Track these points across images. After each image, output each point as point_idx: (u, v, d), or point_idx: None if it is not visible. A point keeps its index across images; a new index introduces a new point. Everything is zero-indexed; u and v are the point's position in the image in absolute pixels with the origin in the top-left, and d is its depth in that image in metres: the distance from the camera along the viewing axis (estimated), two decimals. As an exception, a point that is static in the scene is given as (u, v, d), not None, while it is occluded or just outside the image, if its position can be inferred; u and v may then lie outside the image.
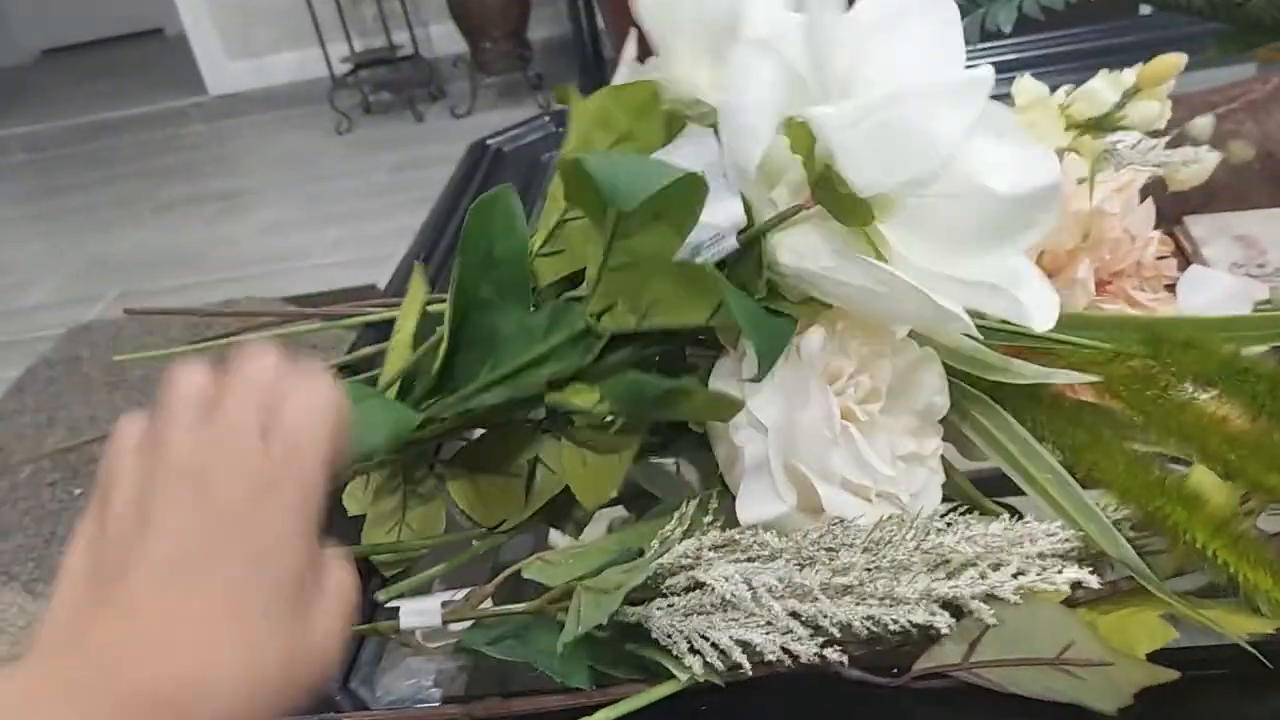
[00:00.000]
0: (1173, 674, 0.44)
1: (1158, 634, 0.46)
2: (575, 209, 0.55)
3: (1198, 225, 0.79)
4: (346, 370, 0.83)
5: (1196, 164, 0.68)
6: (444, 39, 4.53)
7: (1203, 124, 0.74)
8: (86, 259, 3.58)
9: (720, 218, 0.49)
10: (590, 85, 0.57)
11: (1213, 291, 0.62)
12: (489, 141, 1.35)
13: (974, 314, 0.46)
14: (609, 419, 0.54)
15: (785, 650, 0.46)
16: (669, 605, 0.48)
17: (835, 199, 0.45)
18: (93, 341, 2.81)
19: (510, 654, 0.51)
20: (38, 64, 6.00)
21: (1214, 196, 0.83)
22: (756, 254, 0.49)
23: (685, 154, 0.51)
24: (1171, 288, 0.65)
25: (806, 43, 0.46)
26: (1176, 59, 0.65)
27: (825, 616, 0.46)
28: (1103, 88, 0.64)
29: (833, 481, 0.49)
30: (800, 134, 0.45)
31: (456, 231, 1.14)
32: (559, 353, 0.53)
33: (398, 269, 1.07)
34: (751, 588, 0.46)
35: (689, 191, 0.46)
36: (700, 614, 0.47)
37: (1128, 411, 0.50)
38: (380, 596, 0.59)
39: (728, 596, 0.46)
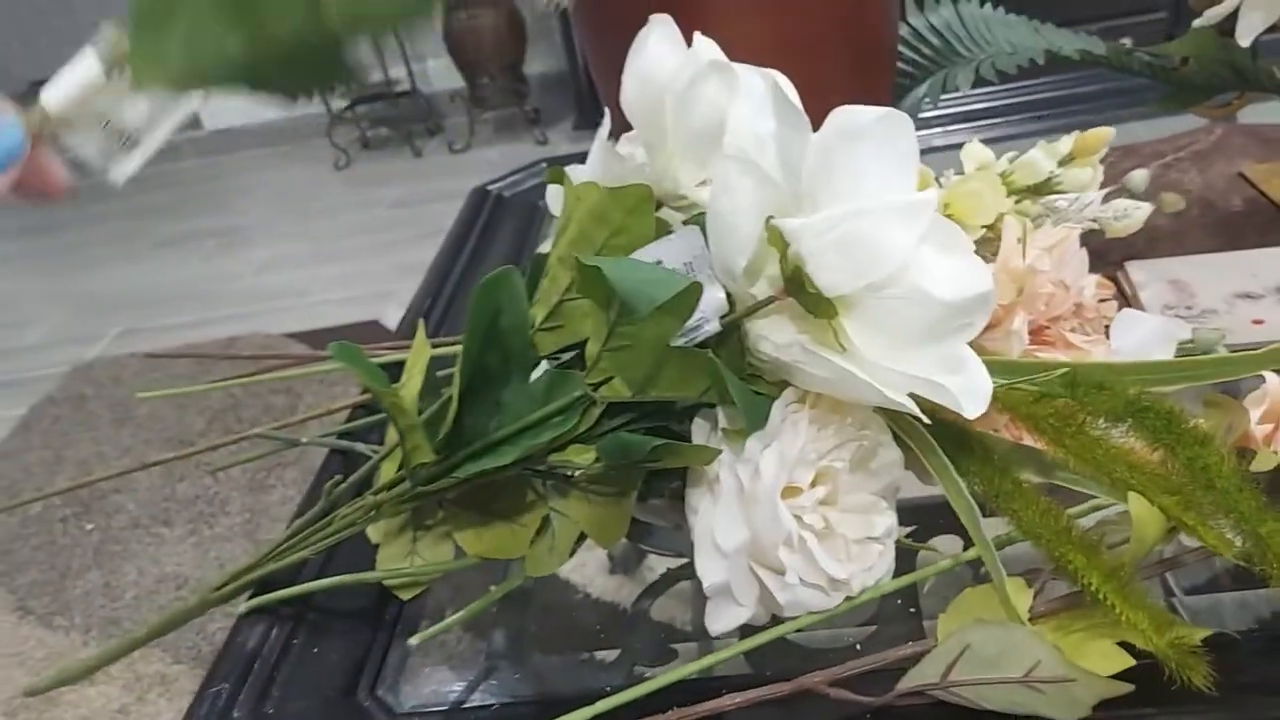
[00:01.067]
0: (1127, 687, 0.51)
1: (1113, 660, 0.52)
2: (573, 292, 0.62)
3: (1137, 270, 0.86)
4: (361, 410, 0.90)
5: (1128, 218, 0.75)
6: (441, 74, 4.56)
7: (1138, 178, 0.81)
8: (84, 297, 3.60)
9: (704, 305, 0.56)
10: (586, 120, 0.64)
11: (1141, 332, 0.68)
12: (490, 187, 1.42)
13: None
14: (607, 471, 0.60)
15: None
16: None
17: (805, 296, 0.53)
18: (96, 379, 2.86)
19: None
20: (27, 96, 5.98)
21: (1156, 240, 0.91)
22: (738, 340, 0.58)
23: (675, 247, 0.59)
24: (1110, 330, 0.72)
25: (778, 157, 0.54)
26: (1105, 133, 0.73)
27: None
28: (1040, 158, 0.71)
29: (791, 587, 0.56)
30: (776, 238, 0.53)
31: (462, 275, 1.20)
32: (558, 418, 0.60)
33: (405, 314, 1.13)
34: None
35: (688, 295, 0.55)
36: None
37: (1051, 447, 0.57)
38: (413, 642, 0.65)
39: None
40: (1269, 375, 0.60)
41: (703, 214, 0.60)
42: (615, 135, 0.70)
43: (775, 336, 0.56)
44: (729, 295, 0.58)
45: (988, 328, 0.63)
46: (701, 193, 0.64)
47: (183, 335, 3.10)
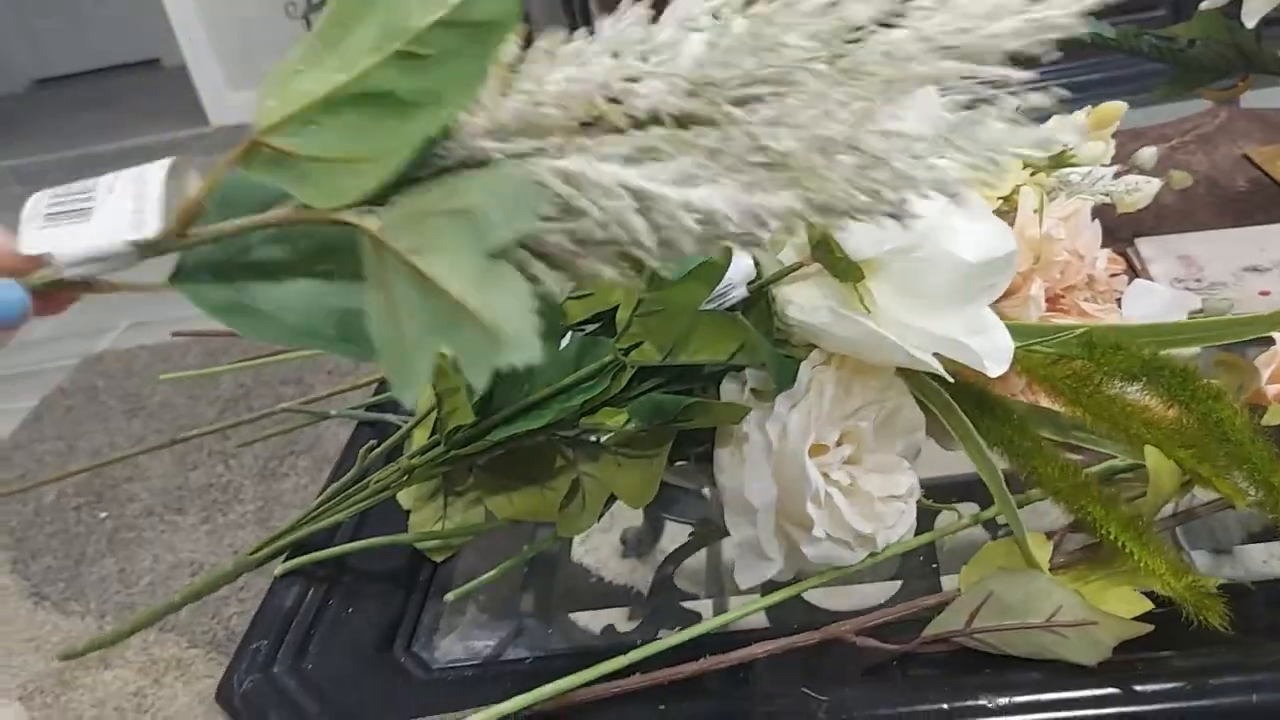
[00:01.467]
0: (1147, 627, 0.52)
1: (1133, 604, 0.54)
2: None
3: (1146, 245, 0.88)
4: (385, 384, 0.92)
5: (1139, 191, 0.77)
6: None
7: (1147, 155, 0.83)
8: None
9: (732, 271, 0.58)
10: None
11: (1152, 303, 0.70)
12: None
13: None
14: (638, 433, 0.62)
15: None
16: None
17: (832, 261, 0.55)
18: (106, 371, 2.87)
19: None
20: (29, 93, 5.97)
21: (1164, 218, 0.93)
22: (765, 305, 0.59)
23: None
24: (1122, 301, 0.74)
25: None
26: (1118, 106, 0.75)
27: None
28: (1056, 131, 0.73)
29: (819, 541, 0.58)
30: None
31: None
32: (589, 383, 0.61)
33: None
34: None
35: (718, 262, 0.56)
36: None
37: (1069, 407, 0.59)
38: (449, 598, 0.67)
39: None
40: (1277, 337, 0.62)
41: None
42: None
43: (802, 300, 0.58)
44: (756, 262, 0.60)
45: (1006, 294, 0.65)
46: None
47: (193, 327, 3.09)
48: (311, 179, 0.35)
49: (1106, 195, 0.77)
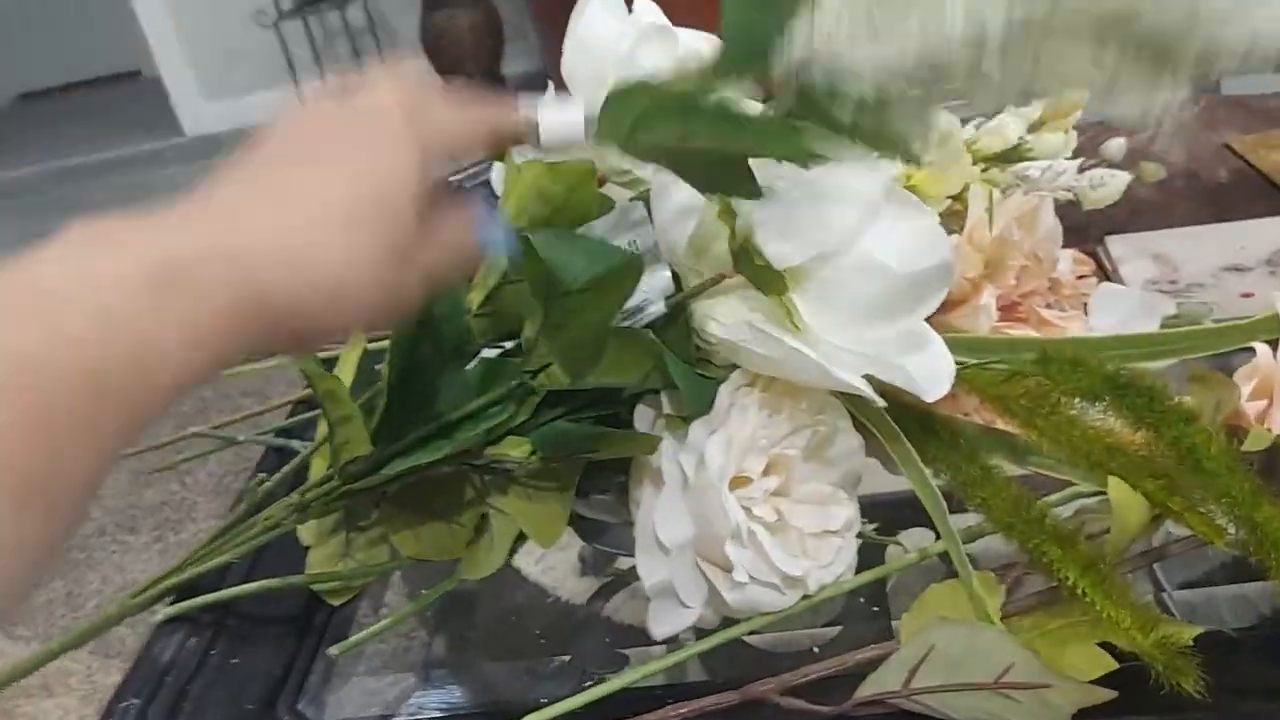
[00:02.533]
0: (1109, 693, 0.46)
1: (1094, 662, 0.48)
2: (513, 275, 0.57)
3: (1117, 244, 0.81)
4: (302, 406, 0.85)
5: (1105, 186, 0.70)
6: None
7: (1115, 146, 0.76)
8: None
9: (649, 285, 0.53)
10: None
11: (1121, 308, 0.64)
12: (452, 178, 1.37)
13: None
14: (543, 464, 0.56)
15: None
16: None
17: (754, 270, 0.49)
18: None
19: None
20: (13, 108, 5.96)
21: (1139, 214, 0.86)
22: (685, 322, 0.54)
23: (617, 225, 0.55)
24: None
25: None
26: (1078, 96, 0.68)
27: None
28: (1009, 122, 0.67)
29: (741, 586, 0.52)
30: (724, 208, 0.50)
31: None
32: (494, 409, 0.56)
33: None
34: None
35: (628, 271, 0.51)
36: None
37: (1023, 430, 0.53)
38: (332, 651, 0.61)
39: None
40: (1259, 347, 0.55)
41: (649, 190, 0.56)
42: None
43: (723, 316, 0.52)
44: (675, 276, 0.54)
45: (954, 304, 0.59)
46: (647, 168, 0.59)
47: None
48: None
49: (1069, 191, 0.70)
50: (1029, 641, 0.48)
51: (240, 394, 2.36)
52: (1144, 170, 0.82)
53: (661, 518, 0.53)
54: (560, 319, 0.53)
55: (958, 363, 0.54)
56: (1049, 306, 0.64)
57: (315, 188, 0.37)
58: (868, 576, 0.55)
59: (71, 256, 0.31)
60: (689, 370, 0.53)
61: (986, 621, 0.49)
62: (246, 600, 0.65)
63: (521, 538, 0.59)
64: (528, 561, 0.72)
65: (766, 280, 0.50)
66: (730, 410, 0.52)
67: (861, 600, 0.61)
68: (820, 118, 0.42)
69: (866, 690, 0.49)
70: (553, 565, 0.73)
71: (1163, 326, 0.64)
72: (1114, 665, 0.47)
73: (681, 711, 0.50)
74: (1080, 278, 0.68)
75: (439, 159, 0.41)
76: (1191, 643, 0.46)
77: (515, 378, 0.55)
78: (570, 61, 0.62)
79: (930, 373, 0.49)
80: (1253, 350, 0.55)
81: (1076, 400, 0.52)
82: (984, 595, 0.51)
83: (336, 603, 0.64)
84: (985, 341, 0.55)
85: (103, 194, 4.55)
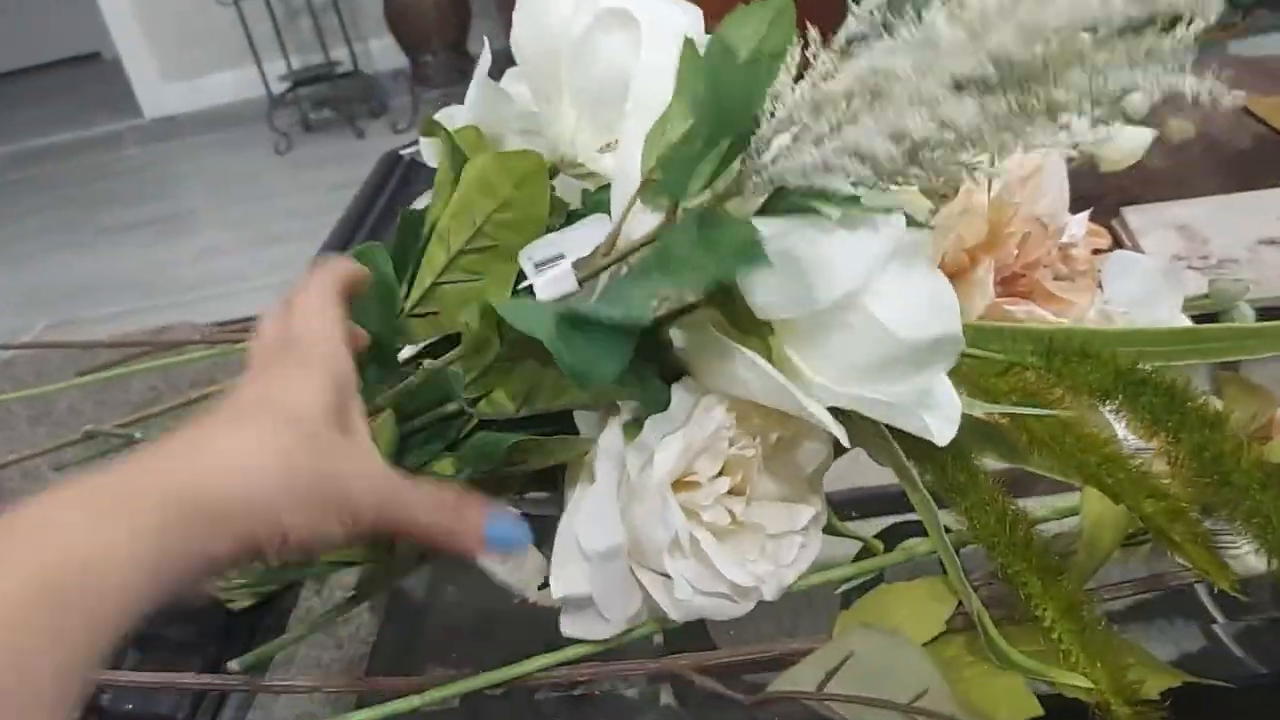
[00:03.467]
0: None
1: (1020, 706, 0.43)
2: (451, 272, 0.52)
3: (1135, 215, 0.73)
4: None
5: (1122, 144, 0.61)
6: (384, 53, 4.45)
7: (1136, 98, 0.67)
8: (22, 290, 3.49)
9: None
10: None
11: (1139, 277, 0.56)
12: (403, 152, 1.29)
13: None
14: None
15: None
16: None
17: (734, 312, 0.44)
18: (15, 375, 2.70)
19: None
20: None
21: (1153, 184, 0.78)
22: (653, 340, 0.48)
23: (581, 239, 0.49)
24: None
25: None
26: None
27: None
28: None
29: (683, 602, 0.46)
30: None
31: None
32: (424, 434, 0.52)
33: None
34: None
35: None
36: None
37: (1012, 428, 0.46)
38: (232, 666, 0.54)
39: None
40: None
41: (608, 187, 0.50)
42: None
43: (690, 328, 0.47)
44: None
45: (952, 278, 0.51)
46: (604, 161, 0.54)
47: (117, 325, 2.96)
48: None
49: (1075, 148, 0.61)
50: (961, 661, 0.44)
51: (191, 385, 2.27)
52: (1170, 127, 0.73)
53: (587, 522, 0.46)
54: (517, 354, 0.48)
55: None
56: (1058, 279, 0.56)
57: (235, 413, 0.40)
58: (818, 579, 0.50)
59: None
60: (647, 371, 0.47)
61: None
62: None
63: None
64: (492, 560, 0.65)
65: (748, 324, 0.44)
66: (693, 411, 0.46)
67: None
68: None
69: (780, 685, 0.45)
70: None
71: (1190, 307, 0.56)
72: (1039, 712, 0.43)
73: (591, 671, 0.48)
74: (1095, 251, 0.59)
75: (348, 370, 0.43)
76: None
77: (454, 401, 0.50)
78: (520, 36, 0.55)
79: (941, 420, 0.43)
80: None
81: (1085, 398, 0.45)
82: (932, 603, 0.47)
83: (234, 607, 0.58)
84: (980, 329, 0.48)
85: (62, 176, 4.46)
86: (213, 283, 3.18)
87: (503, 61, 0.56)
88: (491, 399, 0.49)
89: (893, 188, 0.40)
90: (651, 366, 0.47)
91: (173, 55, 4.63)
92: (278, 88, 4.24)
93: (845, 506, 0.54)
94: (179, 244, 3.61)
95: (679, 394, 0.46)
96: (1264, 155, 0.84)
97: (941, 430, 0.43)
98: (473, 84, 0.57)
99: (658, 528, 0.45)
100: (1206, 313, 0.60)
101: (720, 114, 0.43)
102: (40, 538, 0.32)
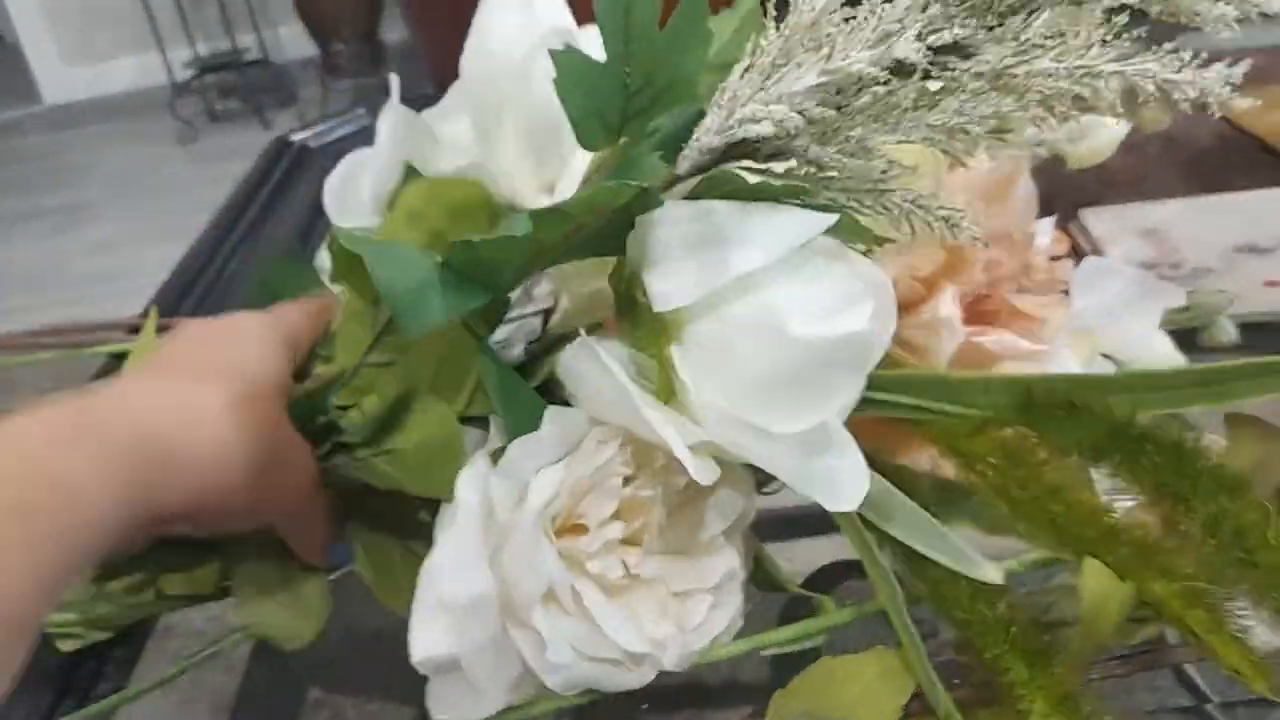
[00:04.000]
0: None
1: None
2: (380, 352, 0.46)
3: (1097, 219, 0.66)
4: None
5: (1090, 139, 0.54)
6: (293, 41, 4.35)
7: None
8: (-88, 283, 3.35)
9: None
10: (443, 90, 0.54)
11: (1113, 287, 0.50)
12: (294, 138, 1.20)
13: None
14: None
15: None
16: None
17: (633, 314, 0.40)
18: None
19: None
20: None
21: (1111, 185, 0.71)
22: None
23: None
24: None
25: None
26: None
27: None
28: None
29: (561, 668, 0.39)
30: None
31: (240, 241, 0.99)
32: None
33: (161, 287, 0.94)
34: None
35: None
36: None
37: (994, 499, 0.38)
38: None
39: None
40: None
41: None
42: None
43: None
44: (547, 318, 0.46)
45: (907, 308, 0.45)
46: (543, 201, 0.50)
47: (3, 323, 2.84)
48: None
49: (1039, 147, 0.54)
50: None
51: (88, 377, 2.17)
52: (1143, 118, 0.66)
53: (448, 568, 0.40)
54: (391, 352, 0.45)
55: (913, 408, 0.41)
56: (1021, 291, 0.49)
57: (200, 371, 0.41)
58: (744, 645, 0.43)
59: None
60: (513, 379, 0.42)
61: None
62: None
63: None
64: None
65: (645, 325, 0.39)
66: (581, 442, 0.40)
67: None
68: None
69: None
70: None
71: (1170, 316, 0.50)
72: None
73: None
74: (1055, 259, 0.52)
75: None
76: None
77: (323, 410, 0.45)
78: (466, 54, 0.51)
79: (843, 482, 0.37)
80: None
81: (1073, 458, 0.37)
82: (886, 683, 0.40)
83: (65, 648, 0.51)
84: (949, 383, 0.40)
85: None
86: (105, 279, 3.08)
87: (409, 49, 0.50)
88: (363, 407, 0.45)
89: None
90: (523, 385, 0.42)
91: (75, 38, 4.48)
92: (182, 75, 4.13)
93: (764, 529, 0.47)
94: (75, 237, 3.50)
95: (559, 417, 0.39)
96: (1231, 155, 0.78)
97: (844, 498, 0.36)
98: (384, 116, 0.52)
99: (529, 574, 0.38)
100: (1185, 328, 0.54)
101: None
102: (7, 457, 0.33)
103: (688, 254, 0.37)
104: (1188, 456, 0.36)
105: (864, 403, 0.39)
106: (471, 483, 0.40)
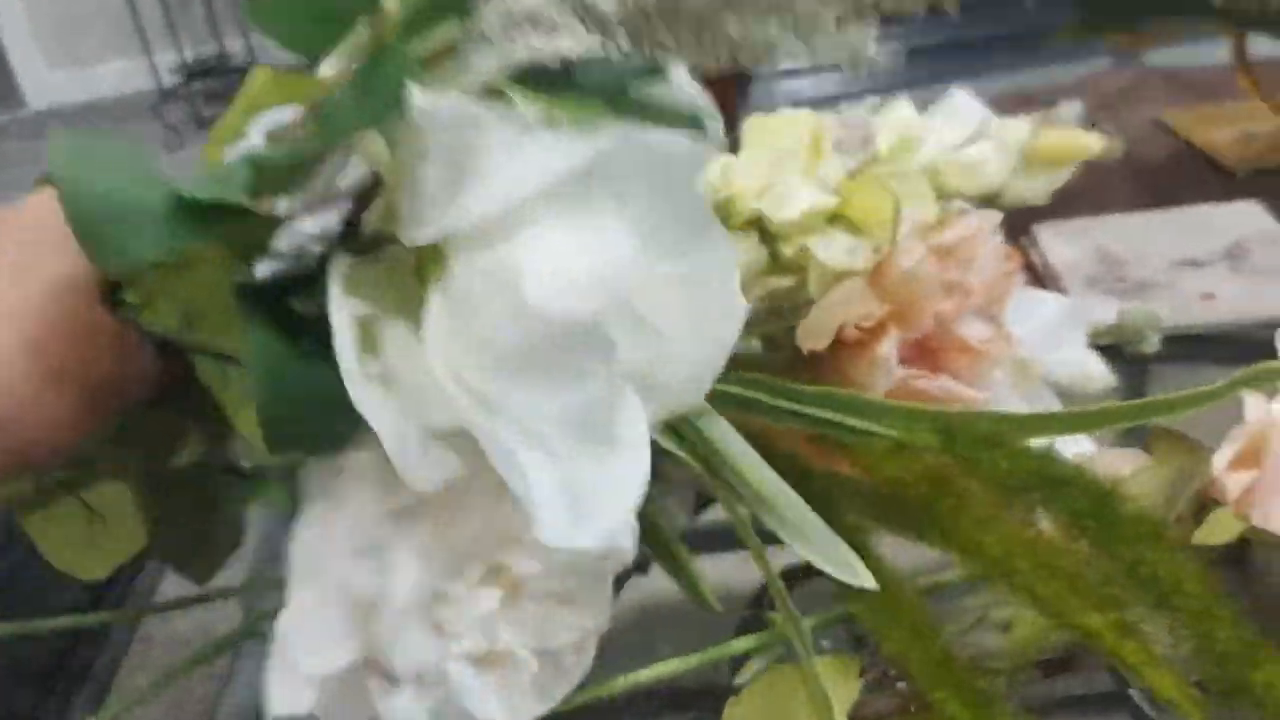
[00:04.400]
0: None
1: None
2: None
3: (1050, 235, 0.68)
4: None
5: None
6: (280, 46, 4.33)
7: (1070, 111, 0.61)
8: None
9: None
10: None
11: (1044, 315, 0.52)
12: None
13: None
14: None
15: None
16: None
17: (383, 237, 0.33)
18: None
19: None
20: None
21: (1067, 200, 0.73)
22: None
23: None
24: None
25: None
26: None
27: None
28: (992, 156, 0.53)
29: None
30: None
31: None
32: None
33: None
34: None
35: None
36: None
37: (923, 530, 0.38)
38: None
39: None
40: (1249, 399, 0.41)
41: None
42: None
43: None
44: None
45: (846, 347, 0.45)
46: None
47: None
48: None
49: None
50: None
51: None
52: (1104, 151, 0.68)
53: (303, 631, 0.35)
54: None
55: (833, 424, 0.39)
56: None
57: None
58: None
59: None
60: (278, 351, 0.32)
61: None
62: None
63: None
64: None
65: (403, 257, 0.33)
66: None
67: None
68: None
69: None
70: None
71: (1102, 333, 0.52)
72: None
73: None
74: (1006, 275, 0.53)
75: None
76: None
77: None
78: None
79: (554, 507, 0.30)
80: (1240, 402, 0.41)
81: (995, 490, 0.37)
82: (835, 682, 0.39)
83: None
84: (872, 404, 0.39)
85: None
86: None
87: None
88: (155, 308, 0.38)
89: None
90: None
91: (60, 40, 4.48)
92: (169, 80, 4.13)
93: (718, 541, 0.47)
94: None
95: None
96: (1182, 170, 0.80)
97: (549, 529, 0.30)
98: None
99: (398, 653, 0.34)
100: (1114, 344, 0.56)
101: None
102: None
103: (445, 168, 0.30)
104: (1108, 500, 0.36)
105: (782, 413, 0.38)
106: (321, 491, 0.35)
